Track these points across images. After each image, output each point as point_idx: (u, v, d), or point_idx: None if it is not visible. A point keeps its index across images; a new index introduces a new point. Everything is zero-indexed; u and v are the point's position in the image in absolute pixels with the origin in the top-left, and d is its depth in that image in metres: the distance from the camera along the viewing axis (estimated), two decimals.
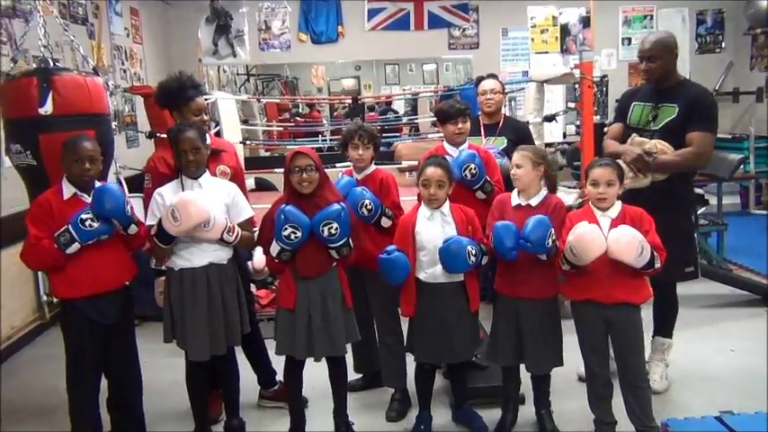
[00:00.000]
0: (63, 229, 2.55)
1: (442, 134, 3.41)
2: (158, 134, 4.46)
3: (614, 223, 2.65)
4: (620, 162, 3.06)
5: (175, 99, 2.93)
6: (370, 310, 3.21)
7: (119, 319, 2.76)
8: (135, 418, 2.93)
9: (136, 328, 2.98)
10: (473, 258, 2.68)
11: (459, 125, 3.22)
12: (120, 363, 2.83)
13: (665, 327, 3.36)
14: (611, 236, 2.59)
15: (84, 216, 2.55)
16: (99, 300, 2.67)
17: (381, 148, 3.36)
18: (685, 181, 3.27)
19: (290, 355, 2.80)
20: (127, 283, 2.81)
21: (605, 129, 3.53)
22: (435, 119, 3.53)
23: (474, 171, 3.04)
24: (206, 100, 3.12)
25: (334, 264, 2.76)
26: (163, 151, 2.91)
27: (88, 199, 2.63)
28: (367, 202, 2.94)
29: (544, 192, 2.84)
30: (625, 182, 3.02)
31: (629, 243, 2.55)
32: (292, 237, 2.61)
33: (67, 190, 2.65)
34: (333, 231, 2.63)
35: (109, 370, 2.81)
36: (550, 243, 2.63)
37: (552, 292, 2.83)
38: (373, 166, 3.17)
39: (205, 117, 2.90)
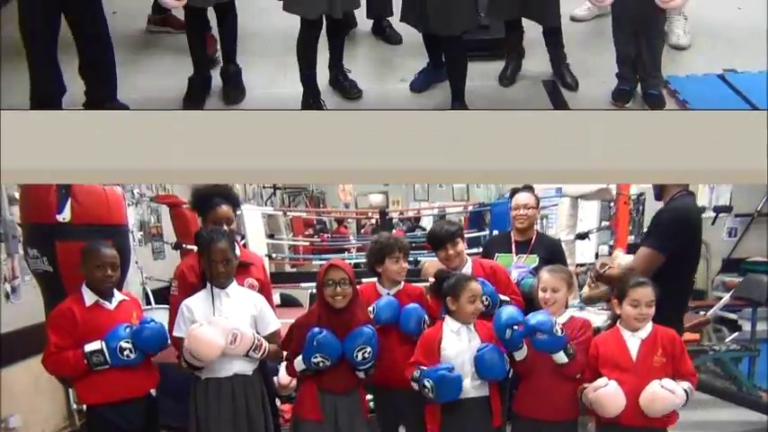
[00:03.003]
0: (96, 348, 2.55)
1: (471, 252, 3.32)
2: (185, 245, 4.39)
3: (644, 344, 2.57)
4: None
5: (201, 204, 2.94)
6: None
7: (144, 426, 2.72)
8: None
9: None
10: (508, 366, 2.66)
11: (450, 251, 3.05)
12: None
13: None
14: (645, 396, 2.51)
15: (123, 345, 2.56)
16: (125, 406, 2.64)
17: (408, 266, 3.32)
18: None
19: None
20: (152, 391, 2.79)
21: None
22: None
23: (486, 303, 2.84)
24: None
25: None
26: (192, 260, 2.88)
27: (110, 306, 2.66)
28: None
29: (569, 312, 2.79)
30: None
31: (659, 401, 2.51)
32: (321, 365, 2.57)
33: (89, 297, 2.65)
34: (366, 356, 2.58)
35: None
36: (560, 332, 2.53)
37: (575, 413, 2.70)
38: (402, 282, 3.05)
39: (226, 227, 2.85)
